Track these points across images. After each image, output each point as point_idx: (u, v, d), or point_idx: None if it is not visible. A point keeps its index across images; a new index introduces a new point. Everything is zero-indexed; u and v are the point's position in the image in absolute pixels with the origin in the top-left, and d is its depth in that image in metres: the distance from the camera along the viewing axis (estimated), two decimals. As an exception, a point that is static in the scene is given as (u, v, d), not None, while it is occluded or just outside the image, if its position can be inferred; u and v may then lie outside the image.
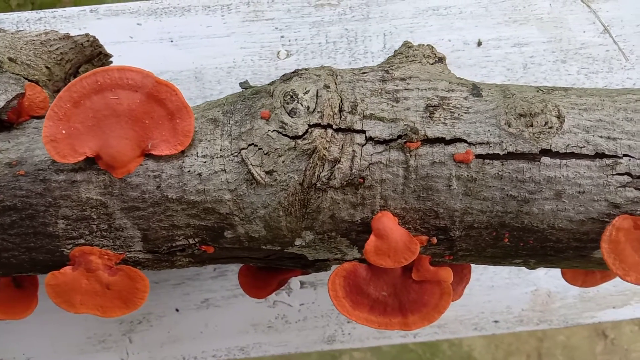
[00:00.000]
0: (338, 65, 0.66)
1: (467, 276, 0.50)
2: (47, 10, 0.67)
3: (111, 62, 0.61)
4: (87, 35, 0.56)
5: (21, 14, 0.66)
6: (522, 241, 0.41)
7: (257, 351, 0.66)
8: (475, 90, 0.41)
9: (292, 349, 0.66)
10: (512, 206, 0.39)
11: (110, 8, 0.66)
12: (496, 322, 0.67)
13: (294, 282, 0.67)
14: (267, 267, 0.52)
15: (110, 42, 0.66)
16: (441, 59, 0.45)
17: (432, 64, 0.44)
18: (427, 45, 0.46)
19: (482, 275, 0.66)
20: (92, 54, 0.58)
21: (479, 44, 0.66)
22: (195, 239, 0.44)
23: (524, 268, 0.58)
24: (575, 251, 0.41)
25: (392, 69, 0.43)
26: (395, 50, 0.46)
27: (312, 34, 0.66)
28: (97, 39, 0.57)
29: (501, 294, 0.67)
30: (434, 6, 0.66)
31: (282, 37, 0.66)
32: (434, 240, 0.42)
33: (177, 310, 0.66)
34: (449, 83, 0.42)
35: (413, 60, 0.44)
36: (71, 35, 0.55)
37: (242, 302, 0.66)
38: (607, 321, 0.69)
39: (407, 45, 0.46)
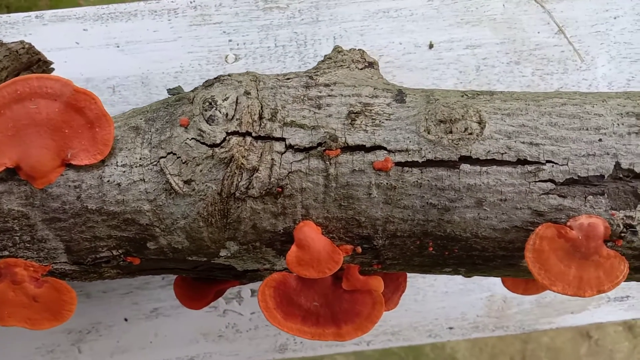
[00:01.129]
0: (288, 69, 0.65)
1: (403, 285, 0.49)
2: (-9, 15, 0.66)
3: (52, 69, 0.60)
4: (21, 42, 0.55)
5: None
6: (447, 250, 0.40)
7: (208, 360, 0.65)
8: (400, 96, 0.40)
9: (243, 359, 0.65)
10: (433, 214, 0.38)
11: (56, 14, 0.65)
12: (451, 328, 0.66)
13: (245, 290, 0.66)
14: (203, 278, 0.51)
15: (56, 48, 0.64)
16: (372, 64, 0.44)
17: (361, 69, 0.43)
18: (358, 50, 0.45)
19: (436, 281, 0.65)
20: (30, 61, 0.57)
21: (431, 46, 0.65)
22: (119, 250, 0.43)
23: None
24: (503, 260, 0.40)
25: (317, 75, 0.42)
26: (325, 55, 0.45)
27: (261, 37, 0.65)
28: (32, 46, 0.56)
29: (456, 300, 0.66)
30: (385, 8, 0.65)
31: (230, 40, 0.65)
32: (359, 249, 0.41)
33: (125, 319, 0.65)
34: (374, 89, 0.41)
35: (341, 66, 0.43)
36: (4, 42, 0.54)
37: (191, 311, 0.65)
38: (564, 327, 0.67)
39: (337, 50, 0.45)
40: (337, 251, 0.40)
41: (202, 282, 0.51)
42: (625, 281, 0.42)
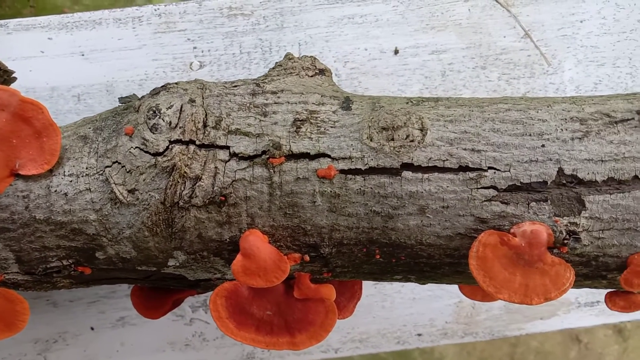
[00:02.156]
0: (253, 75, 0.64)
1: (358, 293, 0.48)
2: (-44, 25, 0.66)
3: (14, 78, 0.60)
4: (-21, 51, 0.55)
5: None
6: (394, 257, 0.39)
7: (175, 370, 0.65)
8: (346, 103, 0.40)
9: (210, 367, 0.65)
10: (377, 222, 0.38)
11: (20, 23, 0.65)
12: (419, 335, 0.65)
13: (213, 298, 0.65)
14: (159, 287, 0.50)
15: (21, 57, 0.64)
16: (323, 71, 0.44)
17: (311, 76, 0.43)
18: (310, 57, 0.45)
19: (403, 287, 0.65)
20: (-10, 70, 0.57)
21: (396, 52, 0.65)
22: (70, 260, 0.43)
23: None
24: (451, 267, 0.40)
25: (265, 83, 0.41)
26: (276, 62, 0.45)
27: (226, 44, 0.64)
28: (-9, 55, 0.55)
29: (424, 307, 0.65)
30: (350, 14, 0.65)
31: (194, 48, 0.64)
32: (307, 257, 0.40)
33: (92, 328, 0.65)
34: (321, 96, 0.41)
35: (291, 73, 0.43)
36: (-39, 51, 0.54)
37: (158, 320, 0.64)
38: (534, 333, 0.67)
39: (288, 57, 0.44)
40: (283, 260, 0.39)
41: (159, 291, 0.51)
42: (575, 288, 0.42)
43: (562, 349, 1.94)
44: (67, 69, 0.65)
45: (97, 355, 0.65)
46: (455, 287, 0.66)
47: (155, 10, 0.65)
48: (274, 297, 0.44)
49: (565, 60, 0.66)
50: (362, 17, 0.65)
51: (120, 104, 0.45)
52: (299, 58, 0.44)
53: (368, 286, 0.65)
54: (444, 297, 0.65)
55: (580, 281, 0.40)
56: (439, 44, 0.65)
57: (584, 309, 0.67)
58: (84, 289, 0.65)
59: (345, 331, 0.65)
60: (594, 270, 0.38)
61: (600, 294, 0.68)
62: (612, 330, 1.95)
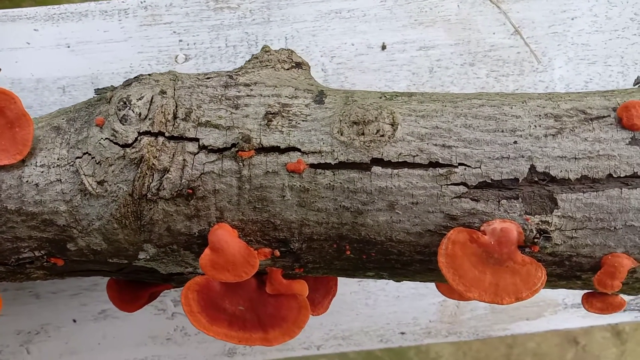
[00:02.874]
0: (238, 69, 0.64)
1: (334, 289, 0.48)
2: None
3: (-2, 68, 0.60)
4: (-39, 41, 0.54)
5: None
6: (365, 253, 0.39)
7: (156, 364, 0.64)
8: (320, 96, 0.39)
9: (191, 362, 0.64)
10: (346, 217, 0.37)
11: (6, 14, 0.65)
12: (403, 333, 0.65)
13: (195, 292, 0.65)
14: (135, 280, 0.50)
15: (7, 48, 0.64)
16: (299, 64, 0.44)
17: (287, 69, 0.43)
18: (287, 49, 0.44)
19: (387, 284, 0.64)
20: (-27, 60, 0.57)
21: (383, 47, 0.64)
22: (42, 251, 0.43)
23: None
24: (422, 265, 0.39)
25: (239, 75, 0.41)
26: (253, 55, 0.44)
27: (212, 37, 0.64)
28: (-27, 46, 0.55)
29: (408, 305, 0.65)
30: (337, 9, 0.64)
31: (180, 41, 0.64)
32: (277, 252, 0.40)
33: (74, 321, 0.65)
34: (295, 89, 0.40)
35: (267, 66, 0.42)
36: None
37: (140, 314, 0.64)
38: (519, 333, 0.66)
39: (264, 49, 0.44)
40: (252, 254, 0.39)
41: (135, 284, 0.51)
42: (549, 288, 0.41)
43: (559, 351, 1.92)
44: (53, 60, 0.64)
45: (79, 348, 0.65)
46: (439, 286, 0.65)
47: (142, 2, 0.64)
48: (246, 292, 0.44)
49: (556, 58, 0.66)
50: (350, 11, 0.64)
51: (95, 95, 0.45)
52: (275, 51, 0.44)
53: (352, 283, 0.64)
54: (428, 295, 0.65)
55: (555, 281, 0.39)
56: (427, 40, 0.65)
57: (570, 310, 0.66)
58: (66, 281, 0.65)
59: (328, 328, 0.65)
60: (567, 271, 0.37)
61: (588, 295, 0.67)
62: (610, 332, 1.93)
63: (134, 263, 0.42)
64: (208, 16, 0.64)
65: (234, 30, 0.64)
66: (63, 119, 0.43)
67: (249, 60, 0.44)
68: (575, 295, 0.67)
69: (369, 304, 0.65)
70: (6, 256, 0.44)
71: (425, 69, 0.65)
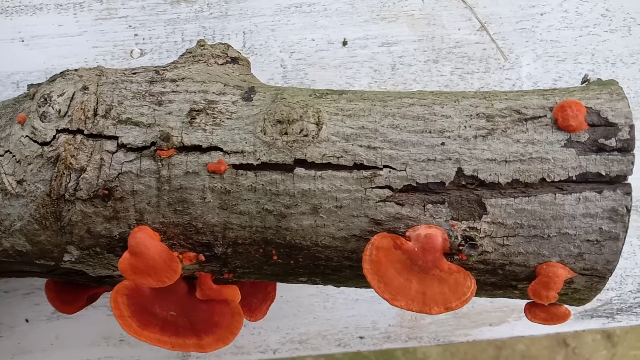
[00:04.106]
0: (195, 65, 0.62)
1: (272, 294, 0.46)
2: None
3: (-54, 62, 0.58)
4: None
5: None
6: (292, 259, 0.37)
7: (109, 366, 0.63)
8: (248, 93, 0.38)
9: (144, 364, 0.63)
10: (270, 221, 0.36)
11: (-40, 6, 0.63)
12: (361, 338, 0.63)
13: (150, 293, 0.63)
14: (71, 282, 0.48)
15: (-41, 41, 0.63)
16: (235, 59, 0.42)
17: (221, 64, 0.41)
18: (224, 44, 0.42)
19: (346, 287, 0.62)
20: None
21: (345, 43, 0.62)
22: (-34, 252, 0.41)
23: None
24: (351, 270, 0.37)
25: (167, 70, 0.39)
26: (188, 49, 0.42)
27: (168, 32, 0.62)
28: None
29: (367, 308, 0.63)
30: (297, 3, 0.62)
31: (135, 35, 0.62)
32: (202, 257, 0.38)
33: (27, 320, 0.63)
34: (224, 85, 0.38)
35: (199, 60, 0.41)
36: None
37: (93, 314, 0.63)
38: (482, 340, 0.64)
39: (199, 44, 0.42)
40: (174, 259, 0.37)
41: (74, 286, 0.49)
42: (488, 297, 0.39)
43: (549, 353, 1.90)
44: (7, 54, 0.63)
45: (32, 348, 0.64)
46: (399, 290, 0.63)
47: (97, -5, 0.63)
48: (177, 297, 0.42)
49: (523, 55, 0.63)
50: (310, 5, 0.62)
51: (25, 91, 0.43)
52: (210, 45, 0.42)
53: (310, 286, 0.63)
54: (388, 299, 0.63)
55: (491, 291, 0.37)
56: (390, 36, 0.63)
57: (537, 316, 0.64)
58: (19, 280, 0.63)
59: (285, 331, 0.63)
60: (502, 280, 0.36)
61: (554, 300, 0.65)
62: (601, 335, 1.91)
63: (61, 265, 0.41)
64: (164, 10, 0.63)
65: (191, 25, 0.63)
66: (-12, 115, 0.41)
67: (182, 55, 0.42)
68: (542, 300, 0.65)
69: (327, 307, 0.63)
70: None
71: (387, 66, 0.63)
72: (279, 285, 0.66)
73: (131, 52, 0.63)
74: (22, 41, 0.63)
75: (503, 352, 1.88)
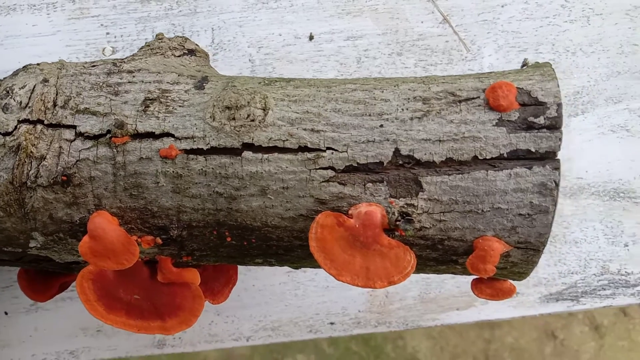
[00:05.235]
0: (166, 61, 0.64)
1: (234, 277, 0.48)
2: None
3: None
4: None
5: None
6: (245, 240, 0.39)
7: (87, 355, 0.65)
8: (200, 82, 0.39)
9: (121, 353, 0.64)
10: (221, 203, 0.37)
11: None
12: (332, 324, 0.65)
13: (126, 284, 0.65)
14: (44, 271, 0.50)
15: None
16: (192, 51, 0.44)
17: (178, 56, 0.43)
18: (181, 37, 0.44)
19: (316, 275, 0.64)
20: None
21: (311, 37, 0.64)
22: None
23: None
24: (302, 250, 0.39)
25: (124, 62, 0.41)
26: (146, 42, 0.44)
27: (139, 29, 0.64)
28: None
29: (337, 295, 0.64)
30: (264, -1, 0.64)
31: (107, 33, 0.64)
32: (159, 240, 0.40)
33: (6, 313, 0.65)
34: (178, 75, 0.40)
35: (157, 53, 0.42)
36: None
37: (71, 306, 0.64)
38: (449, 324, 0.66)
39: (158, 37, 0.44)
40: (132, 242, 0.39)
41: (45, 274, 0.51)
42: (432, 273, 0.41)
43: (538, 345, 1.92)
44: (-18, 54, 0.65)
45: (11, 340, 0.65)
46: (368, 276, 0.65)
47: (70, -5, 0.64)
48: (140, 281, 0.44)
49: (485, 47, 0.65)
50: (277, 2, 0.64)
51: (-7, 86, 0.45)
52: (168, 38, 0.44)
53: (280, 274, 0.64)
54: (357, 286, 0.64)
55: (435, 266, 0.39)
56: (355, 30, 0.64)
57: (502, 301, 0.66)
58: (-2, 274, 0.65)
59: (257, 319, 0.65)
60: (443, 255, 0.37)
61: (519, 285, 0.67)
62: (589, 326, 1.93)
63: (28, 252, 0.43)
64: (135, 8, 0.64)
65: (161, 22, 0.64)
66: (-45, 109, 0.43)
67: (141, 48, 0.44)
68: (508, 284, 0.67)
69: (298, 294, 0.65)
70: None
71: (352, 59, 0.64)
72: (251, 273, 0.67)
73: (103, 50, 0.64)
74: (-3, 41, 0.65)
75: (492, 345, 1.90)
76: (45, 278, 0.51)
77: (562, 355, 1.90)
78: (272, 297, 0.65)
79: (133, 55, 0.43)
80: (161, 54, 0.42)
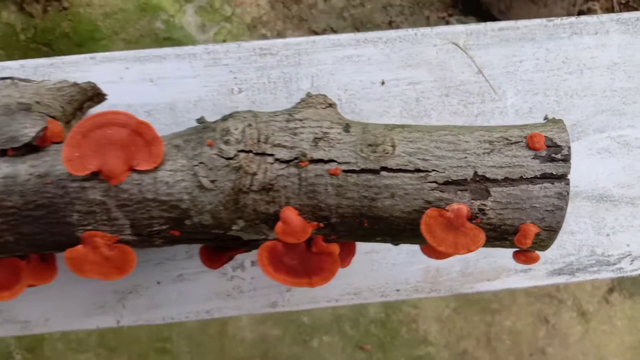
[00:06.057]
0: (277, 98, 0.87)
1: (353, 250, 0.71)
2: (57, 57, 0.88)
3: (106, 98, 0.82)
4: (89, 82, 0.77)
5: (38, 60, 0.87)
6: (377, 225, 0.63)
7: (219, 313, 0.87)
8: (346, 127, 0.63)
9: (244, 312, 0.88)
10: (365, 202, 0.61)
11: (105, 56, 0.88)
12: (397, 290, 0.89)
13: (247, 261, 0.88)
14: (218, 247, 0.73)
15: (105, 81, 0.86)
16: (331, 105, 0.67)
17: (324, 108, 0.66)
18: (322, 95, 0.68)
19: (387, 255, 0.88)
20: (92, 94, 0.80)
21: (382, 83, 0.88)
22: (166, 226, 0.66)
23: (419, 250, 0.80)
24: (411, 232, 0.63)
25: (295, 113, 0.65)
26: (302, 99, 0.68)
27: (258, 75, 0.87)
28: (96, 85, 0.78)
29: (401, 270, 0.88)
30: (349, 55, 0.88)
31: (235, 77, 0.87)
32: (321, 225, 0.63)
33: (158, 282, 0.88)
34: (331, 122, 0.64)
35: (310, 106, 0.66)
36: (78, 83, 0.76)
37: (207, 277, 0.87)
38: (481, 291, 0.90)
39: (308, 95, 0.67)
40: (307, 226, 0.62)
41: (218, 249, 0.74)
42: (490, 247, 0.65)
43: (532, 329, 2.17)
44: (140, 91, 0.87)
45: (162, 303, 0.88)
46: (424, 257, 0.90)
47: (206, 49, 0.87)
48: (299, 251, 0.68)
49: (508, 91, 0.90)
50: (358, 57, 0.88)
51: (198, 124, 0.68)
52: (315, 96, 0.67)
53: (359, 254, 0.88)
54: (416, 263, 0.89)
55: (492, 242, 0.63)
56: (414, 78, 0.89)
57: (520, 274, 0.91)
58: (152, 254, 0.88)
59: (343, 287, 0.88)
60: (499, 235, 0.61)
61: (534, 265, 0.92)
62: (576, 312, 2.18)
63: (228, 233, 0.66)
64: (255, 60, 0.88)
65: (274, 70, 0.88)
66: (180, 140, 0.66)
67: (298, 103, 0.67)
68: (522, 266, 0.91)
69: (373, 269, 0.89)
70: (142, 229, 0.67)
71: (412, 99, 0.89)
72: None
73: (232, 90, 0.88)
74: (151, 81, 0.87)
75: (493, 328, 2.14)
76: (217, 252, 0.74)
77: (553, 337, 2.16)
78: (354, 271, 0.89)
79: (295, 107, 0.66)
80: (313, 107, 0.66)
